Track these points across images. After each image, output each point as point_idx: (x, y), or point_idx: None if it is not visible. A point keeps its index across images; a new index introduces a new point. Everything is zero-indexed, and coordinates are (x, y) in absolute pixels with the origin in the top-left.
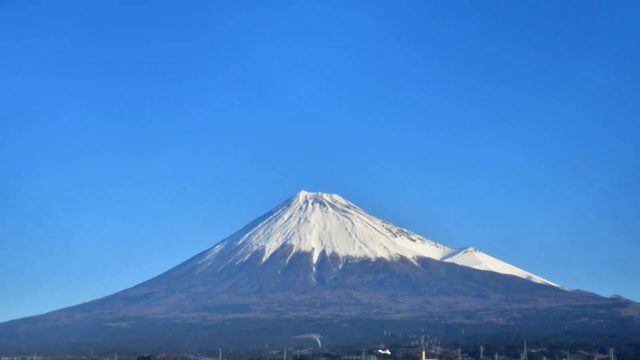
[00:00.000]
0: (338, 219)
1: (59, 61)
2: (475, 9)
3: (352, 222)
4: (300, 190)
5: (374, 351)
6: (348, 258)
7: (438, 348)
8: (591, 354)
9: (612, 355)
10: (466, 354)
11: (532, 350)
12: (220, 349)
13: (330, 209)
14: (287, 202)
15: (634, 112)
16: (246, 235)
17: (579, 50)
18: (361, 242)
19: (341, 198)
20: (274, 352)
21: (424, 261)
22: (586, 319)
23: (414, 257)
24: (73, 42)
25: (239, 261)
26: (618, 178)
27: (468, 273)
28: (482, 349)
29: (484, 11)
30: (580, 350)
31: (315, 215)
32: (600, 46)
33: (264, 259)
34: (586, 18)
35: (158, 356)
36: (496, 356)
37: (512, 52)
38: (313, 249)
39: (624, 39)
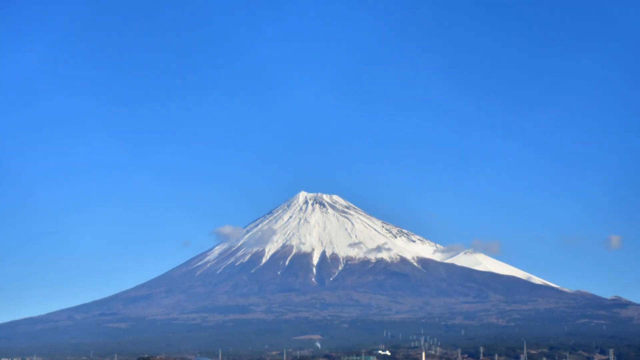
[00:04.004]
0: (338, 220)
1: (60, 57)
2: (476, 6)
3: (352, 223)
4: (300, 191)
5: (374, 352)
6: (348, 259)
7: (438, 349)
8: (591, 355)
9: (612, 356)
10: (466, 355)
11: (532, 351)
12: (220, 350)
13: (330, 210)
14: (287, 203)
15: (636, 107)
16: (246, 236)
17: (580, 45)
18: (361, 243)
19: (341, 199)
20: (274, 352)
21: (424, 262)
22: (586, 320)
23: (413, 258)
24: (76, 37)
25: (239, 262)
26: (618, 177)
27: (468, 274)
28: (482, 349)
29: (484, 8)
30: (580, 351)
31: (315, 216)
32: (601, 40)
33: (264, 260)
34: (587, 13)
35: (158, 357)
36: (496, 357)
37: (512, 49)
38: (313, 249)
39: (625, 33)
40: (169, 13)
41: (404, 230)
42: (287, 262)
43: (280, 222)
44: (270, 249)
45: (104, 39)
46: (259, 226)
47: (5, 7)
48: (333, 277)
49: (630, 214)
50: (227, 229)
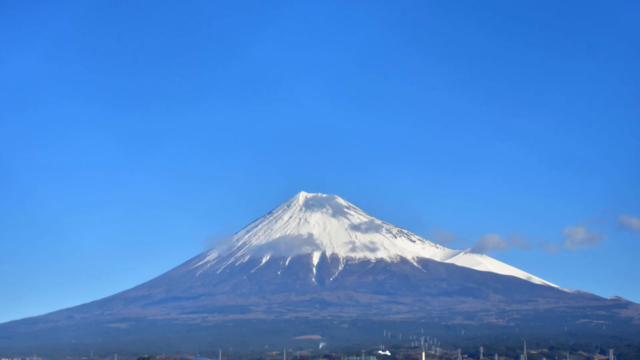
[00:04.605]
0: (338, 220)
1: (61, 60)
2: (474, 8)
3: (352, 223)
4: (300, 191)
5: (374, 352)
6: (348, 259)
7: (438, 349)
8: (591, 355)
9: (612, 356)
10: (466, 355)
11: (532, 352)
12: (220, 350)
13: (330, 210)
14: (287, 203)
15: (634, 108)
16: (246, 236)
17: (579, 46)
18: (361, 243)
19: (341, 199)
20: (274, 353)
21: (424, 262)
22: (586, 320)
23: (413, 258)
24: (77, 39)
25: (239, 262)
26: (618, 176)
27: (468, 274)
28: (482, 350)
29: (482, 10)
30: (580, 352)
31: (315, 216)
32: (600, 41)
33: (264, 260)
34: (585, 14)
35: (158, 357)
36: (496, 357)
37: (511, 49)
38: (313, 250)
39: (624, 35)
40: (168, 16)
41: (404, 230)
42: (287, 262)
43: (280, 222)
44: (270, 249)
45: (104, 41)
46: (259, 226)
47: (4, 10)
48: (333, 277)
49: (629, 212)
50: (227, 229)
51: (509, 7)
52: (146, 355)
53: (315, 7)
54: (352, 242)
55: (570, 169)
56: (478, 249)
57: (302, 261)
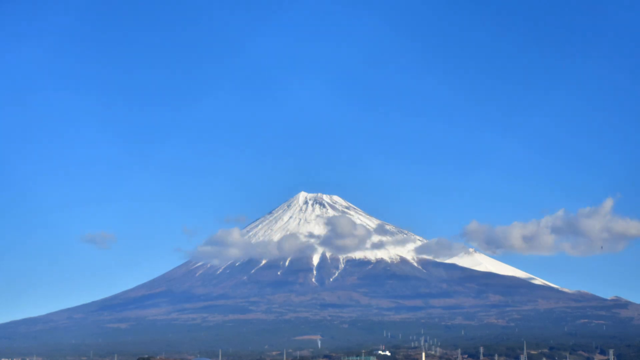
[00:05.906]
0: (338, 220)
1: (59, 55)
2: (476, 6)
3: (352, 223)
4: (300, 191)
5: (374, 352)
6: (348, 259)
7: (438, 349)
8: (591, 355)
9: (612, 357)
10: (466, 355)
11: (532, 352)
12: (220, 350)
13: (330, 210)
14: (287, 203)
15: (635, 106)
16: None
17: (578, 45)
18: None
19: (341, 199)
20: (274, 353)
21: (424, 262)
22: (586, 320)
23: (413, 258)
24: (76, 34)
25: (239, 262)
26: (616, 174)
27: (468, 274)
28: (482, 350)
29: (485, 8)
30: (580, 352)
31: (315, 216)
32: (600, 40)
33: (264, 261)
34: (585, 12)
35: (158, 357)
36: (496, 357)
37: (512, 48)
38: (313, 250)
39: (623, 33)
40: (169, 11)
41: (404, 230)
42: (287, 263)
43: (280, 222)
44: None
45: (104, 37)
46: (259, 226)
47: (2, 6)
48: (333, 277)
49: (631, 211)
50: (227, 230)
51: (512, 5)
52: (146, 356)
53: (316, 5)
54: (352, 242)
55: (573, 167)
56: (478, 249)
57: (302, 261)
